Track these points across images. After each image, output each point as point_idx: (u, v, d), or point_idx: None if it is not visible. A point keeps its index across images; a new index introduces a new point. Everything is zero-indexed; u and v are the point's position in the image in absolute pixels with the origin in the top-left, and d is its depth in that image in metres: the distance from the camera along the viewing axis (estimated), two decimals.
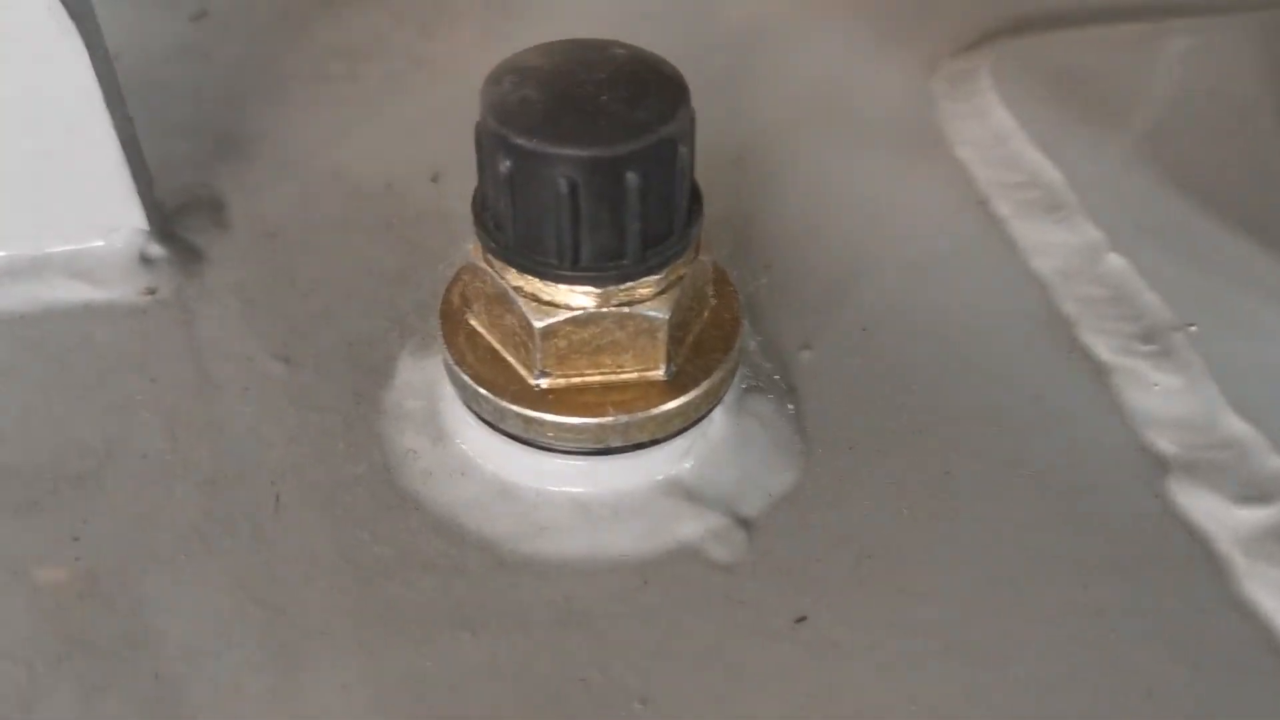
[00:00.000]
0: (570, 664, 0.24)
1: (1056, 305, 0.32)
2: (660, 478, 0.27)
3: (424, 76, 0.41)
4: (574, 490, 0.27)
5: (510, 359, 0.27)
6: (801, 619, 0.25)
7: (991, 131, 0.38)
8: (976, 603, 0.26)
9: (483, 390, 0.27)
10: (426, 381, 0.30)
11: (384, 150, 0.38)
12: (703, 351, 0.27)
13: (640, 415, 0.26)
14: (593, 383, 0.26)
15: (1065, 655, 0.25)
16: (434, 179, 0.36)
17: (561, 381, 0.26)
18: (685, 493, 0.27)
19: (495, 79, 0.25)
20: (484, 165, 0.25)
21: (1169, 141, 0.37)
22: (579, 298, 0.25)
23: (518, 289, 0.26)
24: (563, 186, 0.24)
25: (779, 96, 0.40)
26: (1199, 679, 0.24)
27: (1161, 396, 0.30)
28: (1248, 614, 0.25)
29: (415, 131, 0.38)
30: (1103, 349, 0.31)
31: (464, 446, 0.28)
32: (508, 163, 0.24)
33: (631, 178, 0.24)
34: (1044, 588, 0.26)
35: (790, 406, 0.29)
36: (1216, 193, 0.35)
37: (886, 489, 0.28)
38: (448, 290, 0.29)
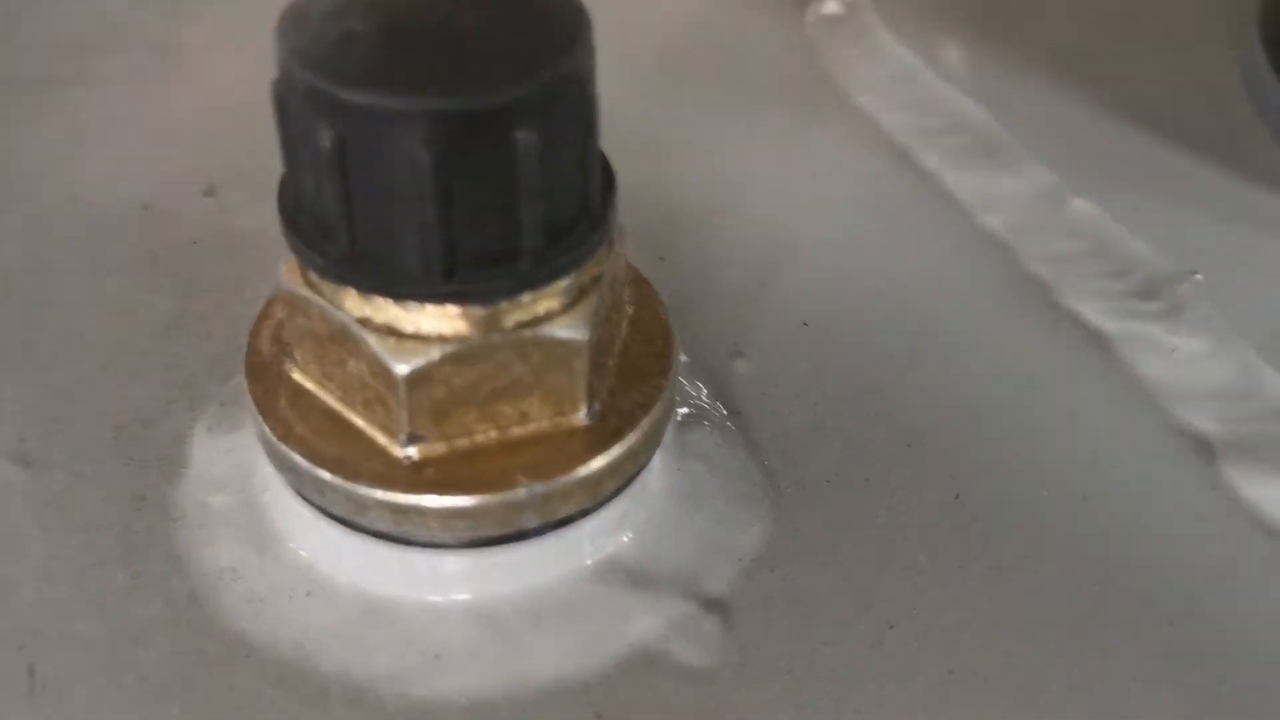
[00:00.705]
0: None
1: (1025, 267, 0.26)
2: (591, 561, 0.20)
3: (177, 68, 0.32)
4: (474, 597, 0.19)
5: (360, 422, 0.19)
6: None
7: (890, 72, 0.32)
8: (1051, 670, 0.19)
9: (325, 473, 0.18)
10: (237, 467, 0.21)
11: (136, 163, 0.28)
12: (630, 379, 0.20)
13: (561, 481, 0.18)
14: (487, 442, 0.18)
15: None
16: (208, 192, 0.27)
17: (441, 447, 0.18)
18: (629, 576, 0.20)
19: (298, 11, 0.17)
20: (294, 142, 0.17)
21: (1100, 60, 0.32)
22: (457, 323, 0.17)
23: (364, 320, 0.18)
24: (422, 159, 0.16)
25: (635, 60, 0.32)
26: None
27: (1186, 363, 0.24)
28: None
29: (175, 136, 0.29)
30: (1096, 314, 0.25)
31: (304, 553, 0.20)
32: (331, 132, 0.16)
33: (524, 137, 0.16)
34: (1128, 634, 0.19)
35: (738, 434, 0.22)
36: (1168, 116, 0.30)
37: (888, 528, 0.21)
38: (252, 336, 0.20)
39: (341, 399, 0.19)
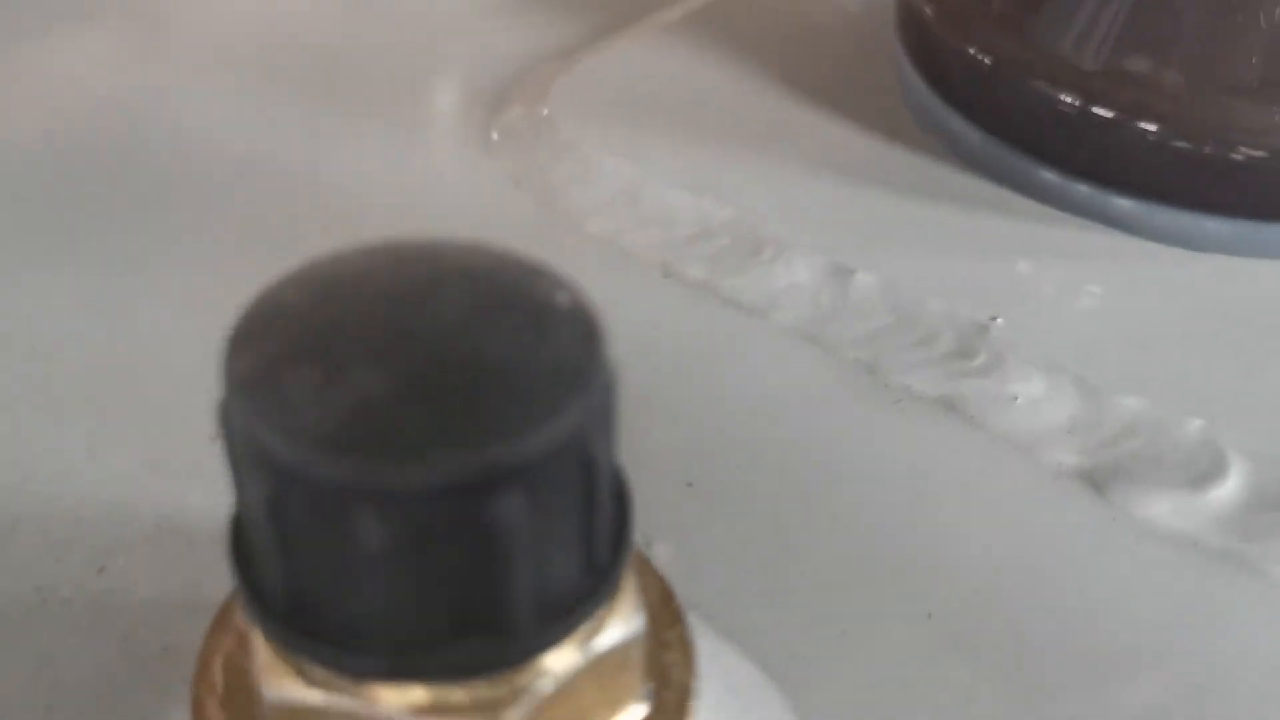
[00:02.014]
0: None
1: (842, 355, 0.25)
2: None
3: None
4: None
5: None
6: None
7: (611, 192, 0.30)
8: None
9: None
10: None
11: None
12: None
13: None
14: None
15: None
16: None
17: None
18: None
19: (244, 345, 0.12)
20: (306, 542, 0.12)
21: (802, 132, 0.32)
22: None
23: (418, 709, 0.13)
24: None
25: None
26: None
27: (1031, 408, 0.24)
28: None
29: None
30: (930, 384, 0.24)
31: None
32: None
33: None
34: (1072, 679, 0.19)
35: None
36: (871, 160, 0.30)
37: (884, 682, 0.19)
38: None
39: None
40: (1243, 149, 0.27)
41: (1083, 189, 0.29)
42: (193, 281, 0.26)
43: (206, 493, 0.20)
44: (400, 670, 0.13)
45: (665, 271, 0.28)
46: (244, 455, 0.12)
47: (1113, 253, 0.28)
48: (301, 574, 0.12)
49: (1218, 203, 0.28)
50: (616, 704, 0.15)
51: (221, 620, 0.16)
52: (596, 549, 0.13)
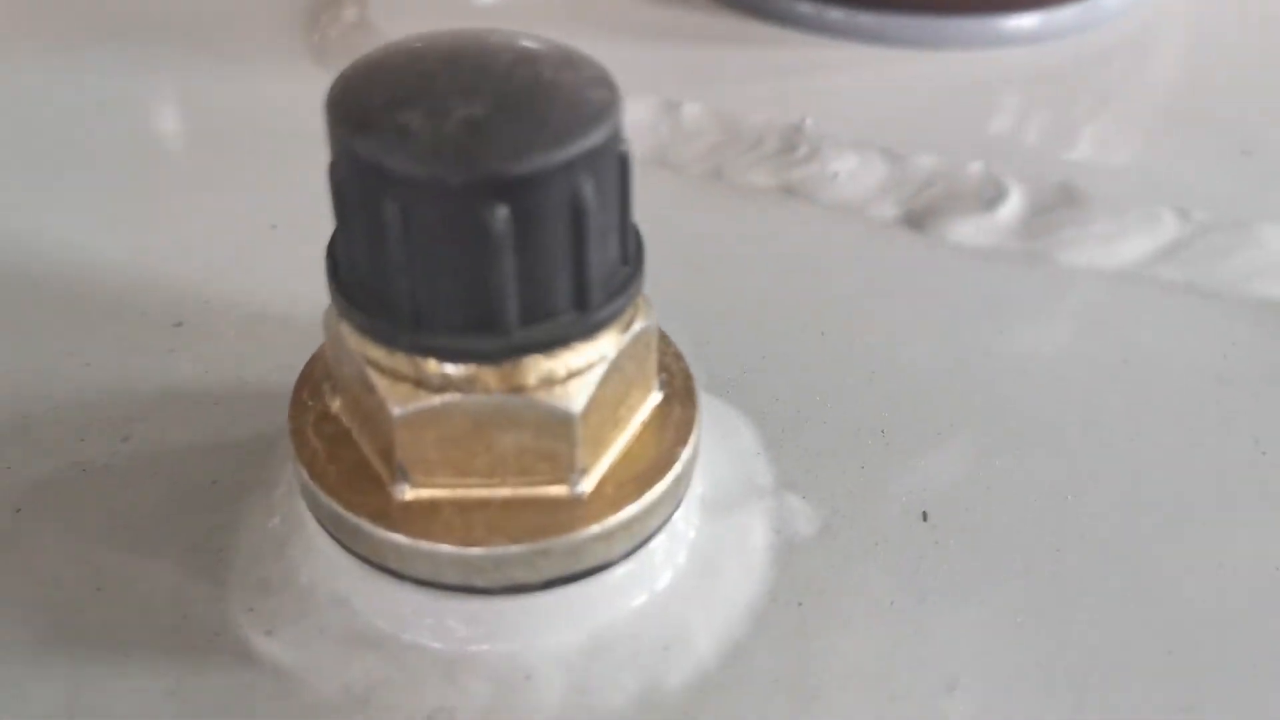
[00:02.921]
0: None
1: (689, 170, 0.30)
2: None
3: None
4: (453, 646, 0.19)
5: (375, 462, 0.18)
6: None
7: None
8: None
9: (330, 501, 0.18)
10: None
11: None
12: (641, 455, 0.19)
13: (541, 544, 0.18)
14: (484, 497, 0.18)
15: None
16: None
17: (436, 493, 0.18)
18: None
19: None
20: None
21: (601, 8, 0.36)
22: (460, 377, 0.17)
23: (374, 363, 0.17)
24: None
25: None
26: None
27: (851, 178, 0.29)
28: None
29: None
30: (765, 178, 0.29)
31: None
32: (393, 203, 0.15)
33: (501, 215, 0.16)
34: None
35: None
36: (665, 19, 0.35)
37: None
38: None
39: (361, 439, 0.18)
40: None
41: (836, 14, 0.35)
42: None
43: (195, 363, 0.23)
44: (522, 346, 0.16)
45: None
46: (368, 187, 0.15)
47: (875, 58, 0.34)
48: (426, 277, 0.16)
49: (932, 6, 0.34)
50: (647, 382, 0.19)
51: (296, 404, 0.19)
52: (629, 242, 0.17)
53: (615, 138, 0.16)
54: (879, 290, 0.26)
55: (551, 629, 0.19)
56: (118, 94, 0.33)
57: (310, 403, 0.19)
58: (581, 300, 0.17)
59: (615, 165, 0.16)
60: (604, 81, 0.16)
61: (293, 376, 0.20)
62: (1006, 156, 0.29)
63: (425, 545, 0.17)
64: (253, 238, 0.27)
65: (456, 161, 0.15)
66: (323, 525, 0.19)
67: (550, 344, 0.17)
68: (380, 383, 0.17)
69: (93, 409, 0.22)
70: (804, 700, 0.18)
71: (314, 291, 0.19)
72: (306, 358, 0.20)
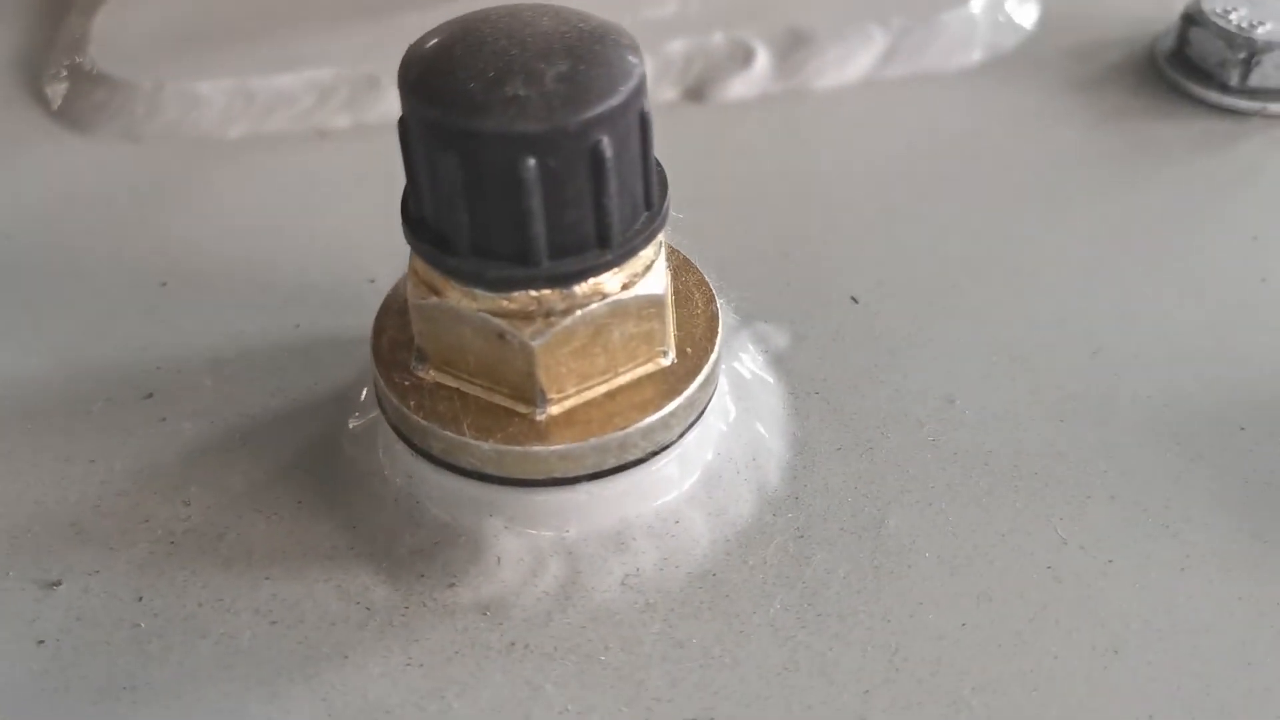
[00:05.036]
0: None
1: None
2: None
3: None
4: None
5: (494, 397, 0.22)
6: None
7: (222, 103, 0.34)
8: None
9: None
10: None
11: None
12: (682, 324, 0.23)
13: (665, 411, 0.21)
14: (598, 394, 0.21)
15: None
16: None
17: (566, 404, 0.21)
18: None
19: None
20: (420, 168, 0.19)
21: None
22: (565, 301, 0.20)
23: (494, 311, 0.20)
24: (527, 173, 0.18)
25: None
26: None
27: None
28: None
29: None
30: None
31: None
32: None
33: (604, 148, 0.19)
34: None
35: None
36: None
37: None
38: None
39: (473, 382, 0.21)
40: None
41: None
42: None
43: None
44: (553, 279, 0.20)
45: (320, 135, 0.33)
46: (434, 140, 0.18)
47: None
48: (487, 213, 0.19)
49: None
50: (651, 343, 0.22)
51: (378, 325, 0.22)
52: (653, 195, 0.21)
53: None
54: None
55: (676, 476, 0.22)
56: None
57: (403, 382, 0.21)
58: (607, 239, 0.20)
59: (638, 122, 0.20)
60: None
61: None
62: (730, 23, 0.35)
63: (580, 445, 0.21)
64: None
65: (567, 114, 0.18)
66: (463, 470, 0.21)
67: (630, 252, 0.20)
68: (509, 326, 0.20)
69: None
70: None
71: None
72: None
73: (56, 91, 0.34)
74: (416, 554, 0.22)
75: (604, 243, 0.20)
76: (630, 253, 0.20)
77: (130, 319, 0.27)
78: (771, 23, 0.34)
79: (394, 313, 0.23)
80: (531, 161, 0.18)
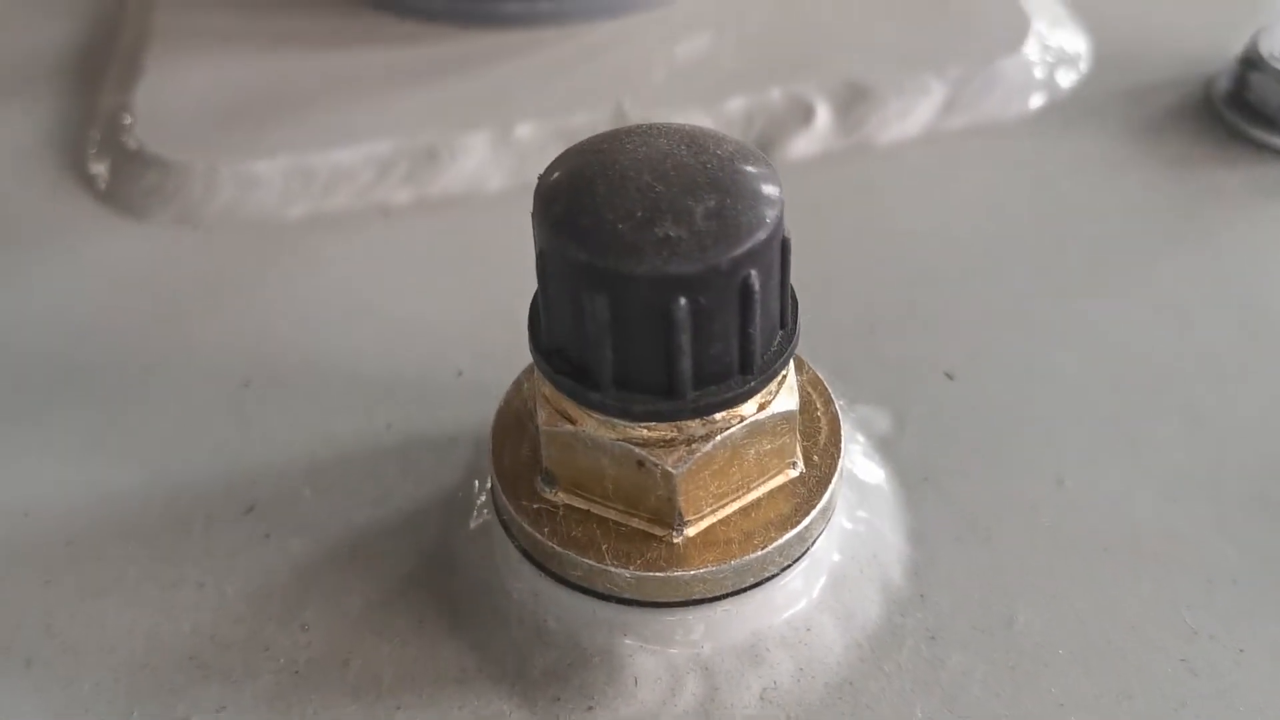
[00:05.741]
0: None
1: None
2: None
3: None
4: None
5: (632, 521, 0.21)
6: None
7: (279, 183, 0.33)
8: None
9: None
10: None
11: None
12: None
13: (802, 525, 0.21)
14: (731, 512, 0.21)
15: None
16: None
17: (701, 524, 0.21)
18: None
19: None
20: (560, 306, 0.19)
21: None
22: (705, 428, 0.20)
23: (632, 440, 0.20)
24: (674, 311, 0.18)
25: None
26: None
27: None
28: None
29: None
30: None
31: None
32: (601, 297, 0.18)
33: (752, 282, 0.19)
34: None
35: None
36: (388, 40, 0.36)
37: None
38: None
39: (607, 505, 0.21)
40: None
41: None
42: None
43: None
44: (697, 409, 0.19)
45: (384, 211, 0.32)
46: (583, 280, 0.18)
47: (580, 36, 0.37)
48: (632, 350, 0.19)
49: None
50: (782, 457, 0.21)
51: (496, 447, 0.22)
52: (787, 315, 0.20)
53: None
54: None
55: (803, 583, 0.22)
56: None
57: (532, 505, 0.21)
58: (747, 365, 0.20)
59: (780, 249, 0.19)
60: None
61: None
62: (789, 78, 0.34)
63: (721, 568, 0.20)
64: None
65: (720, 252, 0.18)
66: (597, 594, 0.21)
67: (770, 376, 0.20)
68: (649, 455, 0.20)
69: None
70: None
71: None
72: None
73: (101, 173, 0.34)
74: (549, 675, 0.22)
75: (746, 369, 0.19)
76: (770, 377, 0.20)
77: (219, 423, 0.27)
78: (826, 76, 0.34)
79: (509, 428, 0.22)
80: (683, 301, 0.18)
